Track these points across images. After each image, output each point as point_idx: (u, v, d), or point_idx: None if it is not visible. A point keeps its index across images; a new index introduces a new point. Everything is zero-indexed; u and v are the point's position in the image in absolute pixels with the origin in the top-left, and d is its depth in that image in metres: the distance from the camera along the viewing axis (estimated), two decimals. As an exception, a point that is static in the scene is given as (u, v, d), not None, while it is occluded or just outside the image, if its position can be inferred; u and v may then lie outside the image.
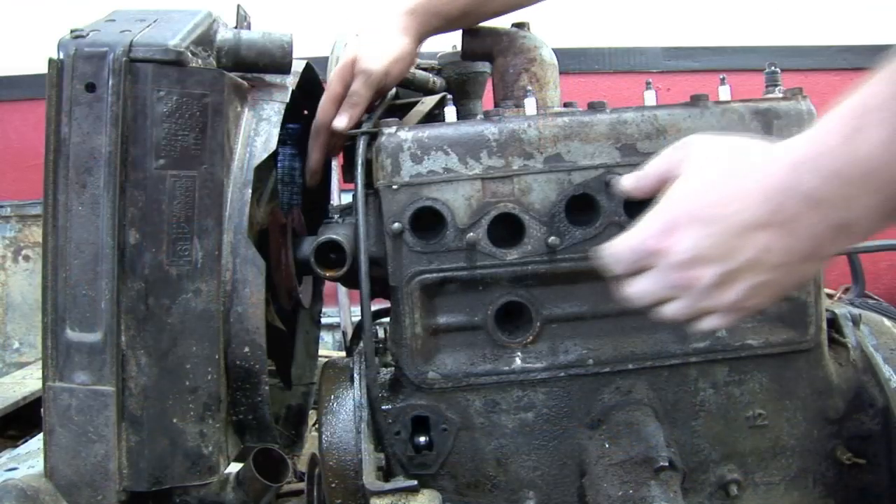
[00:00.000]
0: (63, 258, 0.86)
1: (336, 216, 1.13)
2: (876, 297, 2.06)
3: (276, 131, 0.95)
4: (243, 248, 0.91)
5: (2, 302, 3.70)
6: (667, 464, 0.96)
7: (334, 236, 1.02)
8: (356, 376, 1.03)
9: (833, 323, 1.12)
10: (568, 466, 1.05)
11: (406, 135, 1.01)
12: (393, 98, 1.22)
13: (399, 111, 1.21)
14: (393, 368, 1.07)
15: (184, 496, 0.93)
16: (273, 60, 0.98)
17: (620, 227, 1.00)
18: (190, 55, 0.88)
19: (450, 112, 1.09)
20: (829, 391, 1.08)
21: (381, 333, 1.10)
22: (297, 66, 1.11)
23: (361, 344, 1.18)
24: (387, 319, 1.11)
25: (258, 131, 0.95)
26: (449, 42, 1.34)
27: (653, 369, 1.05)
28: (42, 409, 0.88)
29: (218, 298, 0.89)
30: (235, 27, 1.03)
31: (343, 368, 1.06)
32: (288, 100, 0.99)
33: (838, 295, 2.13)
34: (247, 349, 0.92)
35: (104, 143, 0.85)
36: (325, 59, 1.27)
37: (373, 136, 1.05)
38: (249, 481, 0.93)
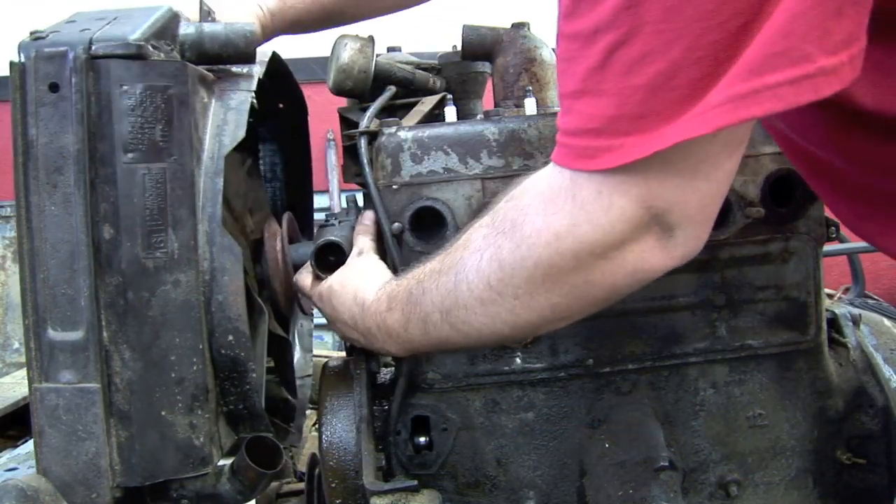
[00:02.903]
0: (40, 259, 0.86)
1: (332, 219, 1.13)
2: (876, 297, 2.06)
3: (244, 119, 0.95)
4: (219, 236, 0.91)
5: (2, 302, 3.70)
6: (667, 464, 0.96)
7: (333, 238, 1.02)
8: (356, 376, 1.03)
9: (833, 323, 1.12)
10: (568, 466, 1.05)
11: (406, 135, 1.01)
12: (393, 98, 1.22)
13: (399, 111, 1.21)
14: (393, 368, 1.07)
15: (180, 490, 0.93)
16: (237, 51, 0.98)
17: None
18: (151, 49, 0.89)
19: (450, 112, 1.09)
20: (829, 391, 1.08)
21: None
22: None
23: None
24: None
25: (226, 120, 0.95)
26: (449, 42, 1.34)
27: (653, 369, 1.05)
28: (30, 412, 0.88)
29: (197, 288, 0.89)
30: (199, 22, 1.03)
31: (343, 368, 1.06)
32: (255, 88, 0.99)
33: (838, 295, 2.14)
34: (231, 337, 0.92)
35: (72, 142, 0.85)
36: (325, 59, 1.27)
37: (373, 136, 1.05)
38: (244, 470, 0.93)
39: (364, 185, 1.05)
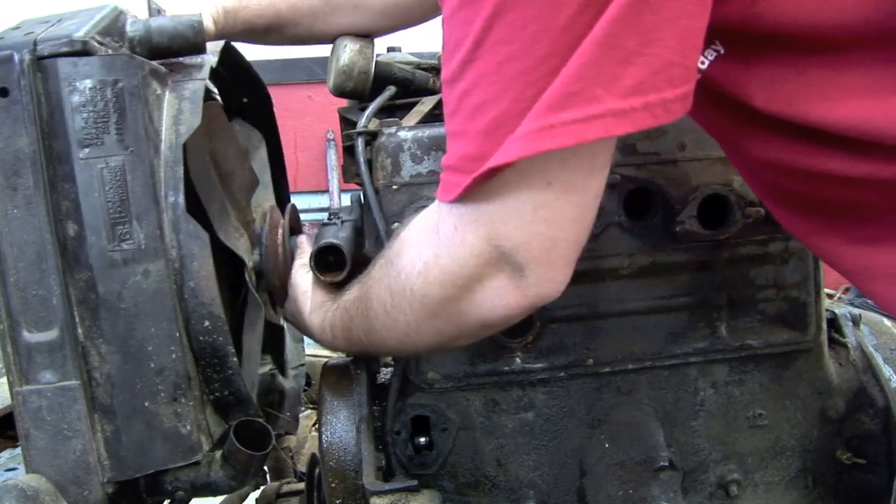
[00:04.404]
0: (8, 263, 0.87)
1: (334, 217, 1.13)
2: (876, 298, 2.06)
3: (199, 107, 0.96)
4: (184, 223, 0.92)
5: None
6: (667, 464, 0.96)
7: (333, 240, 1.02)
8: (356, 376, 1.03)
9: (833, 323, 1.12)
10: (568, 466, 1.05)
11: (406, 135, 1.01)
12: (393, 98, 1.22)
13: (399, 111, 1.21)
14: (393, 368, 1.07)
15: (175, 482, 0.93)
16: (187, 42, 0.99)
17: (621, 227, 1.00)
18: (97, 45, 0.90)
19: (450, 112, 1.09)
20: (829, 391, 1.08)
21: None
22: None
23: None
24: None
25: (182, 110, 0.96)
26: (449, 42, 1.33)
27: (653, 369, 1.05)
28: (14, 416, 0.88)
29: (168, 277, 0.90)
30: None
31: (343, 369, 1.06)
32: (208, 76, 1.00)
33: (838, 295, 2.14)
34: (207, 323, 0.92)
35: (27, 144, 0.86)
36: (325, 59, 1.27)
37: (373, 136, 1.05)
38: (234, 455, 0.93)
39: (362, 185, 1.05)
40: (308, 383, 1.74)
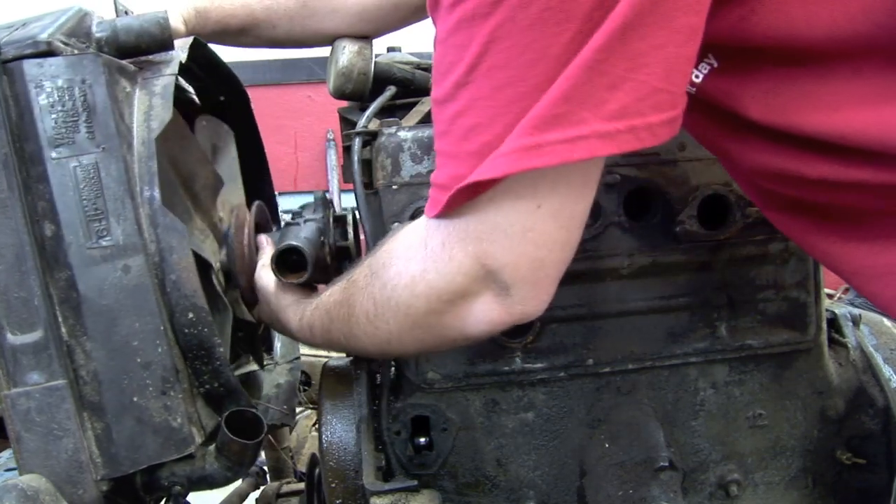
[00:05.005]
0: None
1: (297, 217, 1.13)
2: (876, 297, 2.06)
3: (170, 102, 0.97)
4: (161, 217, 0.92)
5: None
6: (667, 464, 0.97)
7: (294, 242, 1.03)
8: (356, 376, 1.03)
9: (833, 323, 1.13)
10: (568, 466, 1.05)
11: (406, 135, 1.01)
12: (393, 98, 1.22)
13: (399, 111, 1.21)
14: (393, 368, 1.07)
15: (171, 477, 0.94)
16: (154, 39, 1.00)
17: (621, 228, 1.00)
18: (62, 45, 0.90)
19: (450, 112, 1.09)
20: (829, 391, 1.08)
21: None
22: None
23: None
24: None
25: (153, 106, 0.97)
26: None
27: (653, 369, 1.05)
28: (4, 420, 0.88)
29: (149, 271, 0.90)
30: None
31: (343, 368, 1.06)
32: (177, 71, 1.01)
33: (838, 295, 2.14)
34: (191, 315, 0.92)
35: None
36: (325, 59, 1.27)
37: (373, 136, 1.05)
38: (227, 445, 0.93)
39: (366, 185, 1.05)
40: (308, 383, 1.74)
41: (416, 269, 0.74)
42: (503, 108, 0.62)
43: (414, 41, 1.44)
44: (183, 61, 1.04)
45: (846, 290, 2.18)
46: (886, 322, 1.15)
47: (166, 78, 0.99)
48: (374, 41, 1.24)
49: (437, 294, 0.73)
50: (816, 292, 1.06)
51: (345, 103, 1.32)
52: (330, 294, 0.92)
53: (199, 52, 1.15)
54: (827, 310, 1.10)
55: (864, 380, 1.08)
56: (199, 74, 1.23)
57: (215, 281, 1.07)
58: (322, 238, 1.10)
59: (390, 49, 1.35)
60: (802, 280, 1.05)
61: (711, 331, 1.05)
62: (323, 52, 1.28)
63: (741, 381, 1.07)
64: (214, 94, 1.31)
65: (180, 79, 1.18)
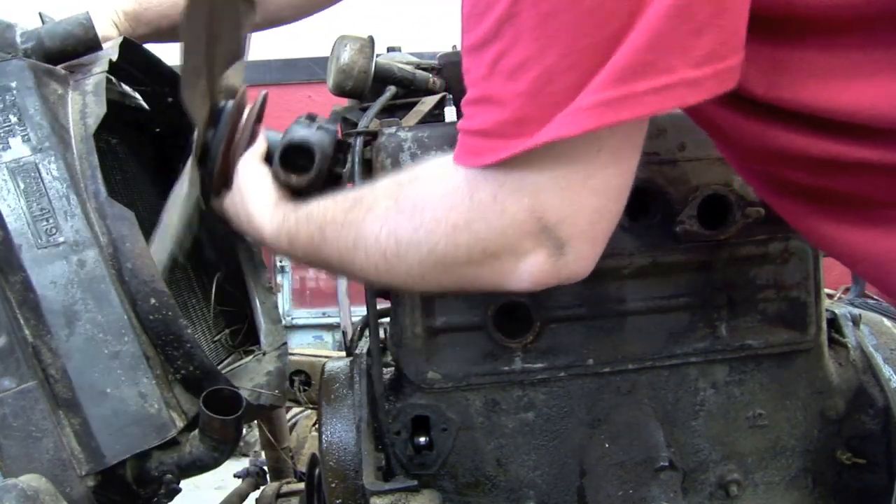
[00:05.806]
0: None
1: (305, 118, 1.06)
2: (876, 297, 2.06)
3: (103, 98, 0.98)
4: (109, 208, 0.93)
5: None
6: (667, 464, 0.97)
7: (309, 139, 0.97)
8: (356, 376, 1.03)
9: (833, 323, 1.13)
10: (568, 466, 1.05)
11: (406, 135, 1.01)
12: (393, 98, 1.22)
13: (399, 111, 1.21)
14: (393, 368, 1.07)
15: (160, 466, 0.94)
16: (79, 40, 1.01)
17: (621, 227, 1.00)
18: None
19: (450, 112, 1.09)
20: (829, 391, 1.08)
21: (381, 334, 1.10)
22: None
23: (363, 343, 1.19)
24: (387, 319, 1.11)
25: (87, 104, 0.98)
26: (449, 42, 1.34)
27: (653, 369, 1.05)
28: None
29: (104, 262, 0.91)
30: None
31: (343, 369, 1.06)
32: (107, 68, 1.01)
33: (838, 295, 2.14)
34: (153, 300, 0.93)
35: None
36: (325, 59, 1.27)
37: (373, 136, 1.05)
38: (208, 425, 0.93)
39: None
40: (308, 383, 1.74)
41: (460, 219, 0.70)
42: (554, 36, 0.58)
43: (414, 41, 1.44)
44: (114, 59, 1.04)
45: (846, 289, 2.19)
46: (886, 322, 1.15)
47: (97, 76, 1.00)
48: (375, 41, 1.24)
49: (483, 247, 0.69)
50: (816, 292, 1.06)
51: (345, 102, 1.32)
52: (325, 209, 0.85)
53: (134, 53, 1.14)
54: (827, 310, 1.10)
55: (864, 380, 1.08)
56: (140, 78, 1.23)
57: (193, 146, 1.02)
58: (334, 151, 1.04)
59: (390, 49, 1.35)
60: (802, 280, 1.05)
61: (711, 331, 1.05)
62: (323, 51, 1.28)
63: (741, 381, 1.07)
64: (161, 97, 1.28)
65: (125, 86, 1.19)
